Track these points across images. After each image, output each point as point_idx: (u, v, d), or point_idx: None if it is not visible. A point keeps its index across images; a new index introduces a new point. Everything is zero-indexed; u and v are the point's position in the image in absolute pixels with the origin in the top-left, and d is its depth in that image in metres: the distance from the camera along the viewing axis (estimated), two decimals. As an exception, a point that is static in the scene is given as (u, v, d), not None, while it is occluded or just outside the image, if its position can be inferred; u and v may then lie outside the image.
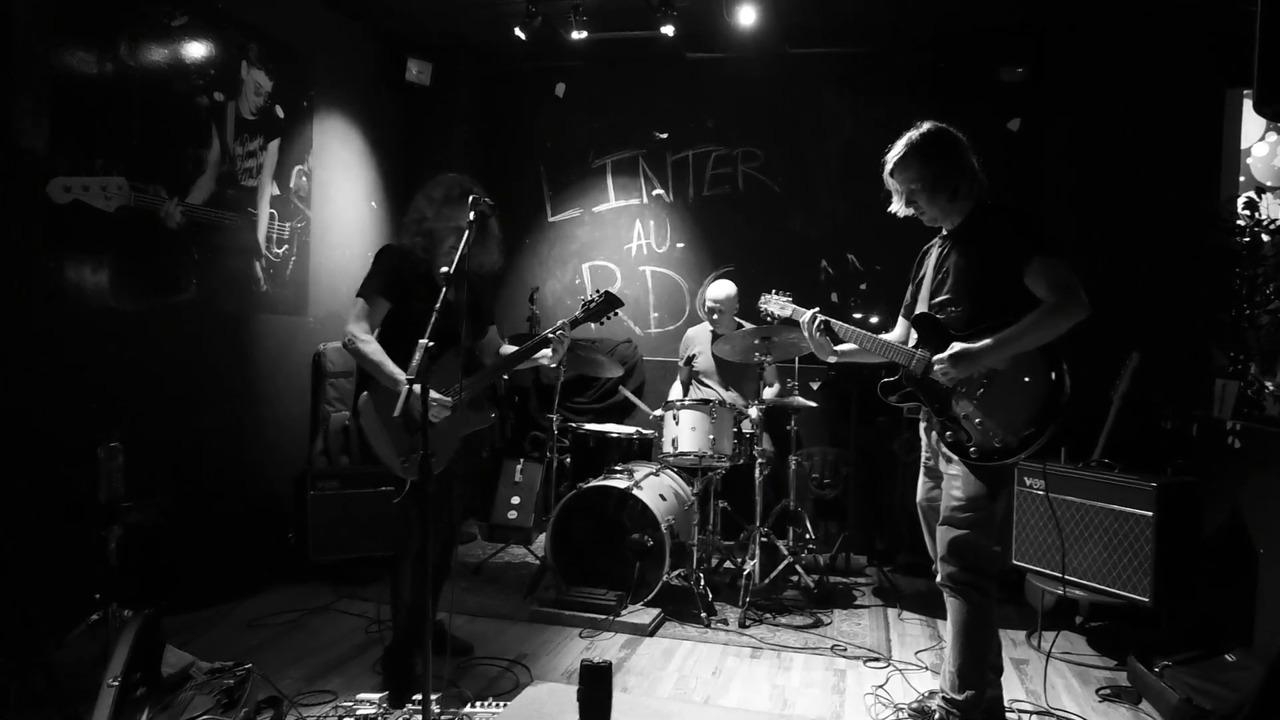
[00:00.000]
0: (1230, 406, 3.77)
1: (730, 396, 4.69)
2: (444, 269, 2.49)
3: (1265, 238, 4.32)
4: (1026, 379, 2.45)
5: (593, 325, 3.03)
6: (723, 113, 5.60)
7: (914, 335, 2.70)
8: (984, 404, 2.51)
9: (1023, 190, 4.83)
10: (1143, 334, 4.30)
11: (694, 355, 4.89)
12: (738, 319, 4.79)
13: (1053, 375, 2.42)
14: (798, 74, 5.43)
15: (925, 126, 2.62)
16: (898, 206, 2.66)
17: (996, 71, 4.80)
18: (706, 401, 4.12)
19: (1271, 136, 4.88)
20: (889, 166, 2.64)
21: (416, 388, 2.21)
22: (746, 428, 4.22)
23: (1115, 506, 3.47)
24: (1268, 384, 4.12)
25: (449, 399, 2.75)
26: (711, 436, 4.02)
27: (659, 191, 5.75)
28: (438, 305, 2.34)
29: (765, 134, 5.53)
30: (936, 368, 2.54)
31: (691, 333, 5.04)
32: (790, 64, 5.41)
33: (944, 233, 2.72)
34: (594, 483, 4.07)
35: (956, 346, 2.49)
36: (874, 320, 4.90)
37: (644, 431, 4.47)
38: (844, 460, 4.96)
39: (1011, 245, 2.47)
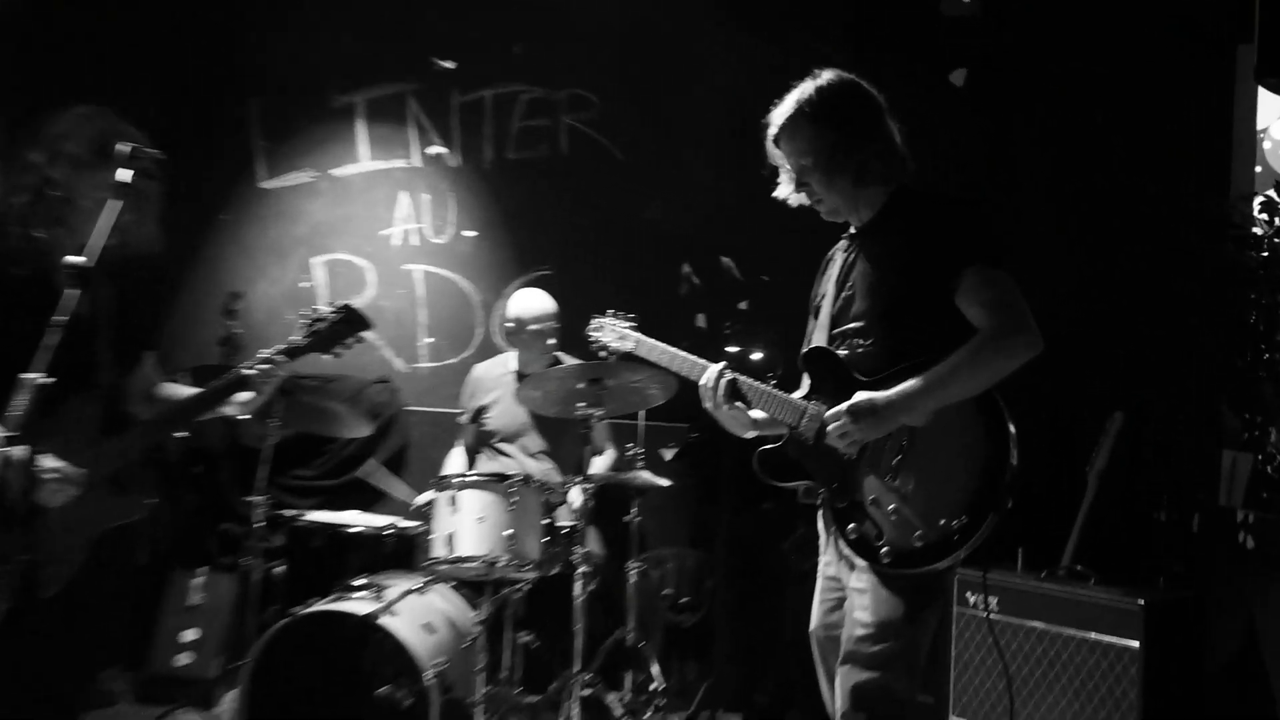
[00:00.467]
0: (1242, 489, 4.16)
1: (540, 469, 4.76)
2: (73, 260, 2.44)
3: (1287, 253, 4.76)
4: (958, 445, 2.60)
5: (326, 356, 3.05)
6: (540, 38, 5.75)
7: (808, 382, 2.86)
8: (900, 482, 2.65)
9: (994, 179, 5.15)
10: (1130, 386, 4.61)
11: (486, 405, 4.96)
12: (556, 352, 4.92)
13: (995, 440, 2.57)
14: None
15: (825, 77, 2.80)
16: (786, 190, 2.84)
17: (937, 5, 5.24)
18: (503, 477, 4.15)
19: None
20: (773, 131, 2.81)
21: (14, 451, 2.10)
22: (564, 518, 4.28)
23: (1090, 635, 3.73)
24: (1294, 456, 4.57)
25: (75, 470, 2.65)
26: (509, 532, 4.05)
27: (439, 149, 5.88)
28: (59, 320, 2.30)
29: (604, 74, 5.71)
30: (831, 426, 2.66)
31: (482, 371, 5.11)
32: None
33: (851, 231, 2.90)
34: (320, 605, 4.01)
35: (860, 396, 2.62)
36: (756, 357, 5.12)
37: (404, 525, 4.46)
38: (709, 568, 5.06)
39: (938, 248, 2.66)
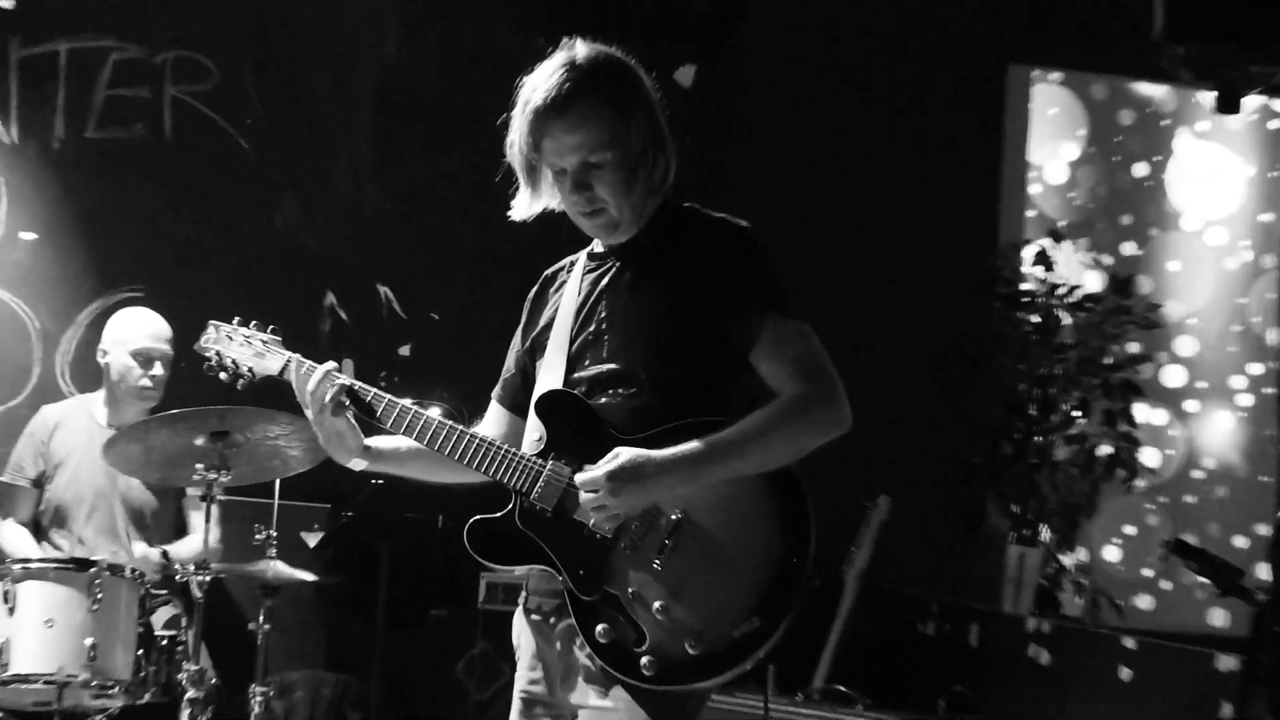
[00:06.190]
0: (1031, 593, 4.38)
1: (141, 552, 4.64)
2: None
3: (1064, 316, 5.12)
4: (748, 526, 2.61)
5: None
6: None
7: (535, 432, 2.80)
8: (672, 571, 2.63)
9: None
10: (895, 468, 4.85)
11: (60, 464, 4.84)
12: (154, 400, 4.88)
13: (792, 521, 2.57)
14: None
15: (596, 50, 2.73)
16: (531, 202, 2.80)
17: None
18: (84, 564, 4.05)
19: (1069, 149, 5.75)
20: (544, 104, 2.68)
21: None
22: (165, 621, 4.27)
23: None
24: (1065, 560, 4.88)
25: None
26: (89, 642, 3.94)
27: (-14, 122, 5.68)
28: None
29: (222, 35, 5.71)
30: (585, 491, 2.63)
31: (56, 416, 4.97)
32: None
33: (597, 249, 2.90)
34: None
35: (624, 454, 2.60)
36: (429, 414, 5.08)
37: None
38: (357, 698, 4.99)
39: (734, 286, 2.69)
